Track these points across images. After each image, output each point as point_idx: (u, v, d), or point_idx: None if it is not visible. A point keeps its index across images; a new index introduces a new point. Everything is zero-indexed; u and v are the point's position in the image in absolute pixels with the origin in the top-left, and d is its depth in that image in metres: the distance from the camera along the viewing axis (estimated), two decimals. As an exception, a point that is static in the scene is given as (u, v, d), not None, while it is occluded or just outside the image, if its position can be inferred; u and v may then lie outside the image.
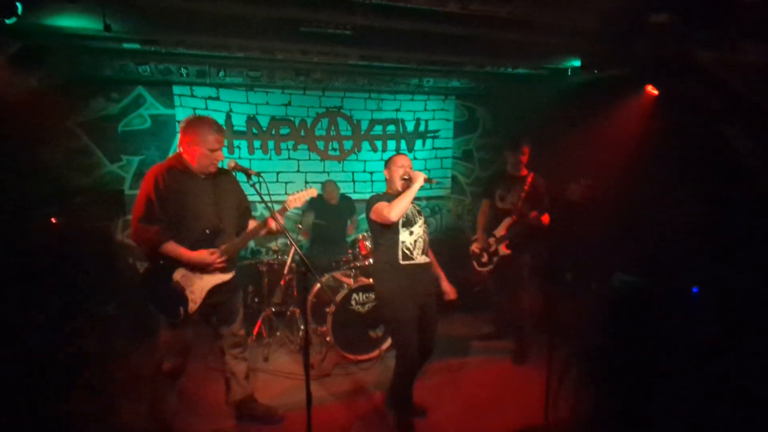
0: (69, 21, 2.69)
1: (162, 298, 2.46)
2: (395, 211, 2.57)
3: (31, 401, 2.76)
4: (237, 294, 2.81)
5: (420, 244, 2.76)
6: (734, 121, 3.37)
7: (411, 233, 2.74)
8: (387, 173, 2.85)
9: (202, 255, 2.46)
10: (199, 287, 2.50)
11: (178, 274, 2.47)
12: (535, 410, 2.73)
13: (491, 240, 3.79)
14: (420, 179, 2.65)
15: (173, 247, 2.41)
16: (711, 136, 3.50)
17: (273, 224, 2.62)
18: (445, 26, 3.12)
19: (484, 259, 3.84)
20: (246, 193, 2.76)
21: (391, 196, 2.71)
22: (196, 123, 2.47)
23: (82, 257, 3.68)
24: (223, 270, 2.58)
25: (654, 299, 3.61)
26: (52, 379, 3.06)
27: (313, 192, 2.76)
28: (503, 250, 3.71)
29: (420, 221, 2.81)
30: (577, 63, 3.98)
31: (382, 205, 2.64)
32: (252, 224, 2.67)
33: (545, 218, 3.58)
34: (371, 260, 3.94)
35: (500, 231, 3.75)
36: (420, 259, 2.76)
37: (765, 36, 2.88)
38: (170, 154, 4.52)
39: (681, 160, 3.58)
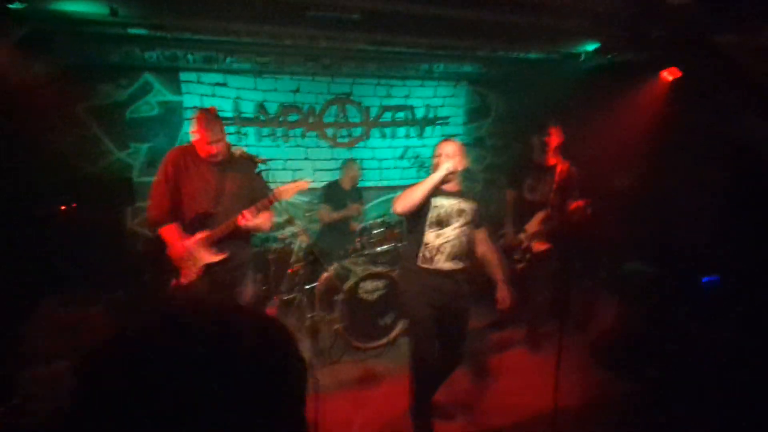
0: (75, 6, 2.65)
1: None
2: (400, 202, 2.40)
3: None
4: (238, 278, 2.78)
5: (448, 248, 2.45)
6: (752, 107, 3.27)
7: (439, 235, 2.45)
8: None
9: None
10: (192, 263, 2.59)
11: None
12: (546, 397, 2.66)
13: (522, 236, 3.49)
14: (442, 169, 2.37)
15: (168, 230, 2.53)
16: (728, 123, 3.41)
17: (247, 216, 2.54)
18: (456, 9, 3.04)
19: (516, 256, 3.52)
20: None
21: None
22: (196, 115, 2.53)
23: (91, 246, 3.71)
24: (215, 251, 2.61)
25: (664, 288, 3.57)
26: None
27: (304, 185, 2.59)
28: (537, 246, 3.43)
29: (457, 223, 2.47)
30: (592, 47, 3.87)
31: (399, 195, 2.50)
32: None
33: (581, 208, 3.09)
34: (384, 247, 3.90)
35: (533, 226, 3.45)
36: (443, 265, 2.46)
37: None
38: (178, 141, 4.53)
39: (696, 148, 3.49)
